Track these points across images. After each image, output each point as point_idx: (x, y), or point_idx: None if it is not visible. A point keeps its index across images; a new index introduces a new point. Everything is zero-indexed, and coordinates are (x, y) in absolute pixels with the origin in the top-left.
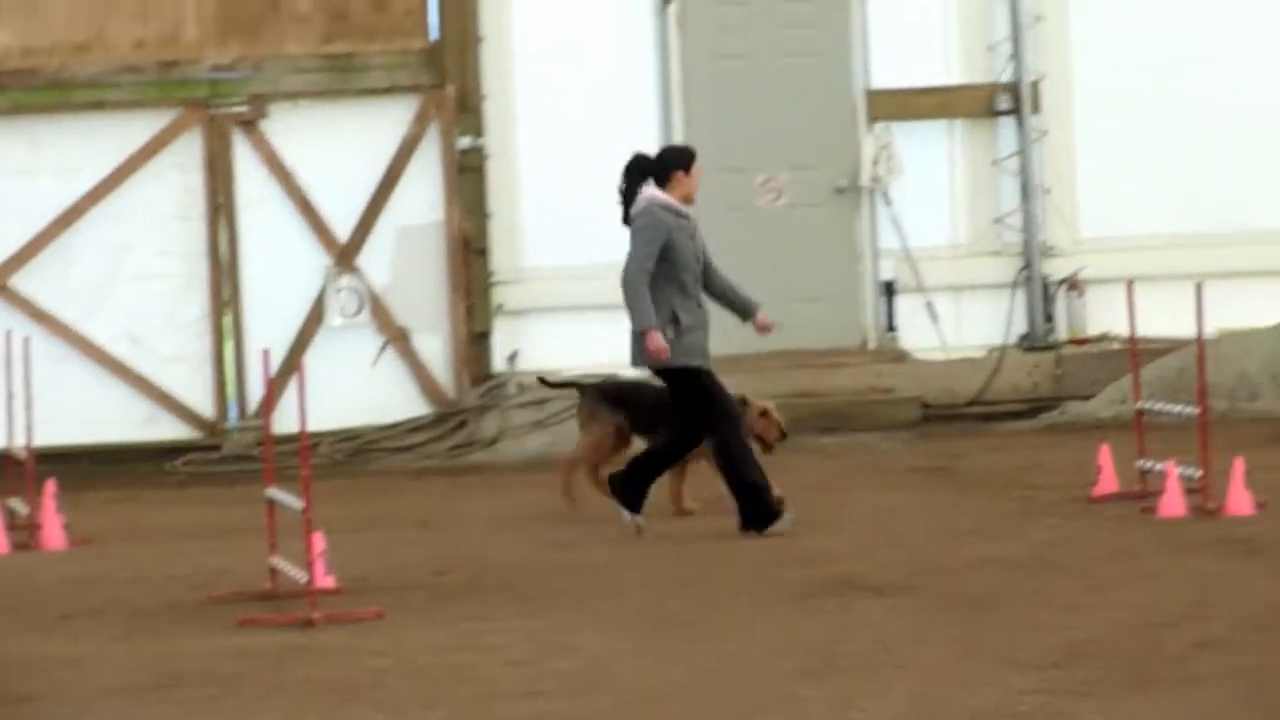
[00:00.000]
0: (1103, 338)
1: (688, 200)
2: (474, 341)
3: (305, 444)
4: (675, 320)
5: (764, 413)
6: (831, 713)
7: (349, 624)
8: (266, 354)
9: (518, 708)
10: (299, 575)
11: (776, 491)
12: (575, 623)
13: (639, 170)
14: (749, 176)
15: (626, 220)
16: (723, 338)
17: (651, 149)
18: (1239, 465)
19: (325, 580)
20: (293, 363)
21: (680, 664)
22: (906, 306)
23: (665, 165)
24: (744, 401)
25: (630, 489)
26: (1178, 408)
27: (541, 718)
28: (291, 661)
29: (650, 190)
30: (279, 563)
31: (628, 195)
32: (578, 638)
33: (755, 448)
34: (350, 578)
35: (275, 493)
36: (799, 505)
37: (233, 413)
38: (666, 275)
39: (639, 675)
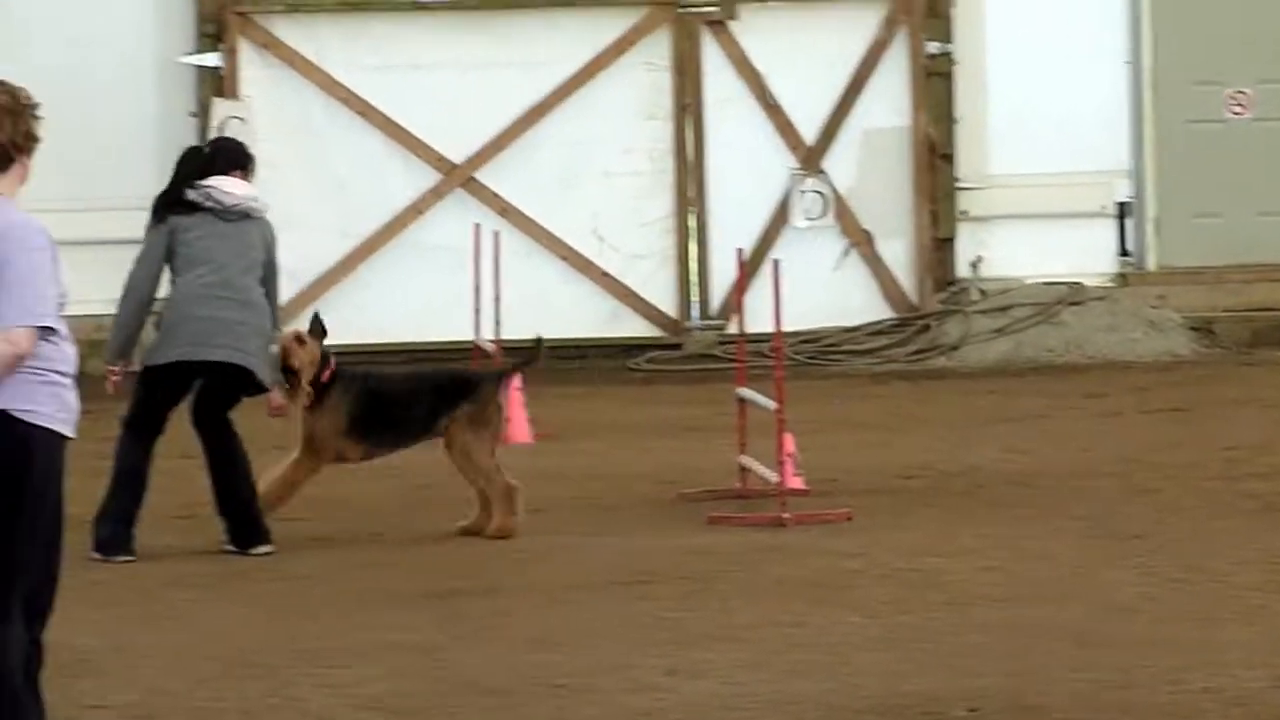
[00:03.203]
0: None
1: None
2: (937, 247)
3: (779, 345)
4: None
5: None
6: None
7: (818, 525)
8: (740, 253)
9: (993, 613)
10: (769, 475)
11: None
12: (1045, 530)
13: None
14: (1218, 89)
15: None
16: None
17: (1119, 59)
18: None
19: (794, 481)
20: (756, 263)
21: (1146, 574)
22: None
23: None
24: None
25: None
26: None
27: (1018, 625)
28: (764, 561)
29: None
30: (749, 462)
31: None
32: (1050, 545)
33: None
34: (817, 479)
35: (747, 392)
36: (1269, 416)
37: (695, 312)
38: None
39: (1109, 585)
